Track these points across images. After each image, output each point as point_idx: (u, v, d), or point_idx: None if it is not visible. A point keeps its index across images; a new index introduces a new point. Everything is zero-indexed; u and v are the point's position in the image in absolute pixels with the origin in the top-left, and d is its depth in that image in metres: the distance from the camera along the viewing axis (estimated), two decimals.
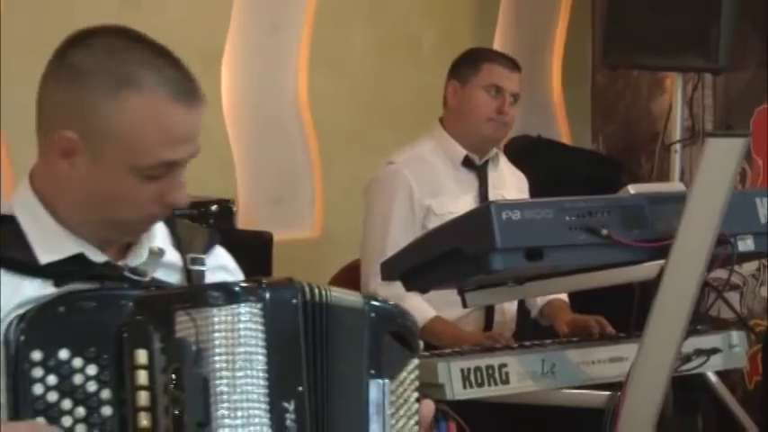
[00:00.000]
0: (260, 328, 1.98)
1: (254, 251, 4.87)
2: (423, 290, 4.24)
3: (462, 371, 3.87)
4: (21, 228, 2.12)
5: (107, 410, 1.97)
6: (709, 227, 3.80)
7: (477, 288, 4.12)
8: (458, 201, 4.52)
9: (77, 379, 1.97)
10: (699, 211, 3.81)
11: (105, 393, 1.98)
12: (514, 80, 4.62)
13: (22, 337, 1.98)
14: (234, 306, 1.97)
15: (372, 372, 2.12)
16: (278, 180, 5.75)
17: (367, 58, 5.87)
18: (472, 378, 3.90)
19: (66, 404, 1.96)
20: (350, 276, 4.68)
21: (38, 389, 1.96)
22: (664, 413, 4.01)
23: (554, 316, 4.59)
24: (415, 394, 2.18)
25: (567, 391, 4.08)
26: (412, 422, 2.17)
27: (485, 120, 4.56)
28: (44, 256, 2.11)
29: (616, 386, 3.96)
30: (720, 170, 3.82)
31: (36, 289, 2.08)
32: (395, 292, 4.24)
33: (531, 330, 4.60)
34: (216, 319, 1.96)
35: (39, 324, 1.99)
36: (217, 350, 1.95)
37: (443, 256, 3.87)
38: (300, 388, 2.01)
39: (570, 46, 6.49)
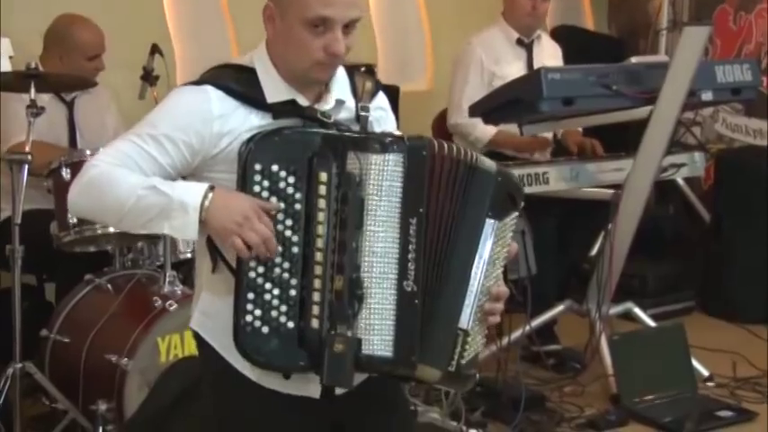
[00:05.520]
0: (400, 169, 1.93)
1: (387, 98, 4.83)
2: (495, 123, 4.24)
3: (519, 175, 3.86)
4: (257, 76, 2.04)
5: (298, 206, 1.93)
6: (683, 85, 3.74)
7: (530, 123, 4.09)
8: (512, 67, 4.41)
9: (281, 184, 1.93)
10: (677, 75, 3.73)
11: (298, 195, 1.93)
12: None
13: (249, 154, 1.93)
14: (386, 154, 1.92)
15: (490, 214, 2.03)
16: (404, 51, 5.68)
17: None
18: (525, 180, 3.88)
19: (273, 200, 1.93)
20: (445, 116, 4.61)
21: (256, 188, 1.93)
22: (648, 204, 3.99)
23: (567, 137, 4.50)
24: (510, 234, 2.08)
25: (586, 189, 4.05)
26: (504, 250, 2.07)
27: (525, 16, 4.45)
28: (270, 97, 2.02)
29: (618, 187, 3.94)
30: (692, 48, 3.73)
31: (260, 119, 2.01)
32: (470, 122, 4.25)
33: (562, 152, 4.55)
34: (373, 161, 1.92)
35: (260, 146, 1.93)
36: (371, 181, 1.92)
37: (509, 103, 3.85)
38: (421, 209, 1.94)
39: None
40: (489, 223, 2.04)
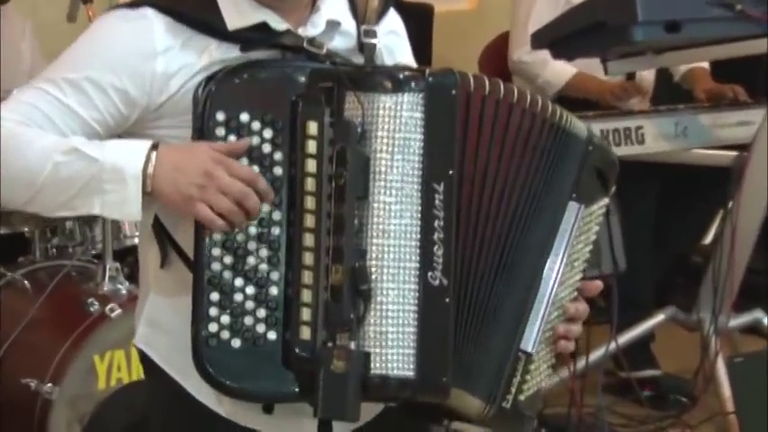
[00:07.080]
0: (419, 115, 1.92)
1: (417, 21, 4.80)
2: (569, 58, 4.24)
3: (602, 131, 3.86)
4: None
5: (278, 170, 1.93)
6: None
7: (619, 57, 4.06)
8: None
9: (255, 140, 1.93)
10: None
11: (278, 155, 1.94)
12: None
13: (209, 98, 1.93)
14: (399, 94, 1.91)
15: (574, 195, 2.04)
16: None
17: None
18: (611, 138, 3.91)
19: (243, 161, 1.93)
20: (501, 45, 4.64)
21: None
22: None
23: (694, 82, 4.52)
24: (597, 228, 2.10)
25: (698, 151, 4.04)
26: (587, 249, 2.08)
27: None
28: (232, 23, 2.02)
29: (743, 148, 3.92)
30: None
31: (223, 52, 2.01)
32: (540, 57, 4.24)
33: (668, 98, 4.52)
34: (381, 105, 1.91)
35: (224, 87, 1.94)
36: (379, 133, 1.91)
37: (589, 28, 3.83)
38: (451, 171, 1.94)
39: None
40: (573, 207, 2.04)
